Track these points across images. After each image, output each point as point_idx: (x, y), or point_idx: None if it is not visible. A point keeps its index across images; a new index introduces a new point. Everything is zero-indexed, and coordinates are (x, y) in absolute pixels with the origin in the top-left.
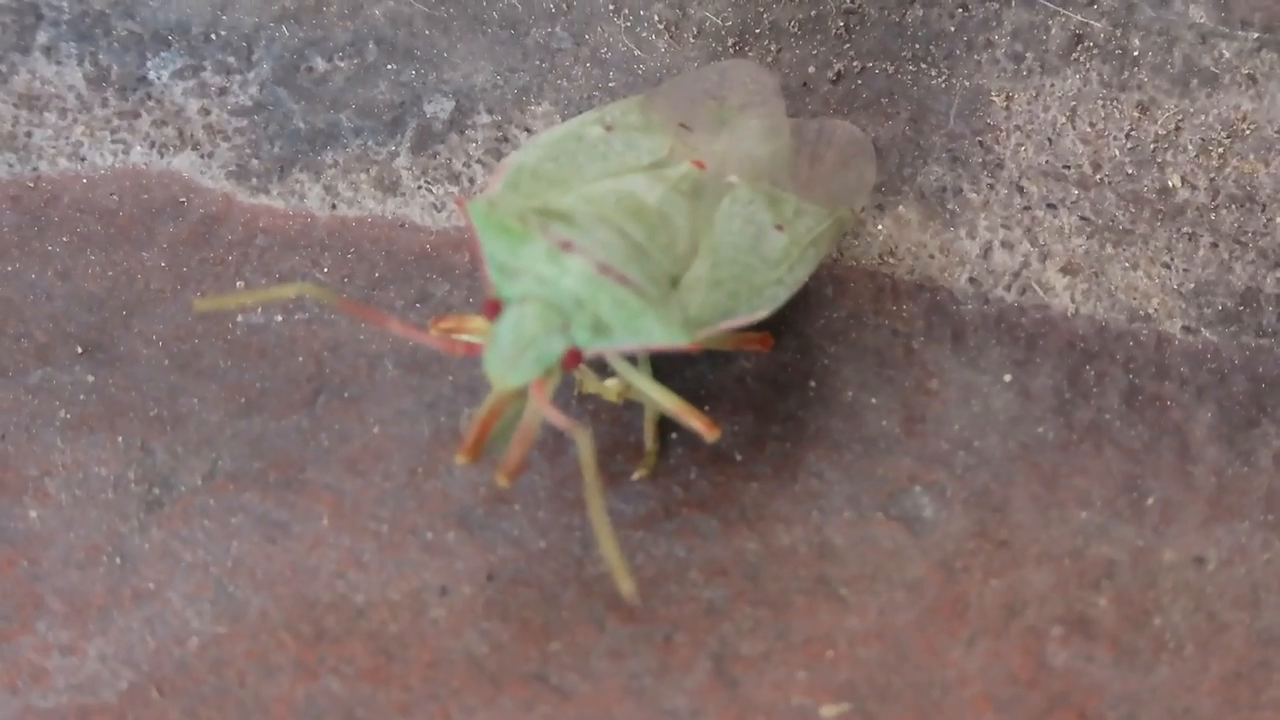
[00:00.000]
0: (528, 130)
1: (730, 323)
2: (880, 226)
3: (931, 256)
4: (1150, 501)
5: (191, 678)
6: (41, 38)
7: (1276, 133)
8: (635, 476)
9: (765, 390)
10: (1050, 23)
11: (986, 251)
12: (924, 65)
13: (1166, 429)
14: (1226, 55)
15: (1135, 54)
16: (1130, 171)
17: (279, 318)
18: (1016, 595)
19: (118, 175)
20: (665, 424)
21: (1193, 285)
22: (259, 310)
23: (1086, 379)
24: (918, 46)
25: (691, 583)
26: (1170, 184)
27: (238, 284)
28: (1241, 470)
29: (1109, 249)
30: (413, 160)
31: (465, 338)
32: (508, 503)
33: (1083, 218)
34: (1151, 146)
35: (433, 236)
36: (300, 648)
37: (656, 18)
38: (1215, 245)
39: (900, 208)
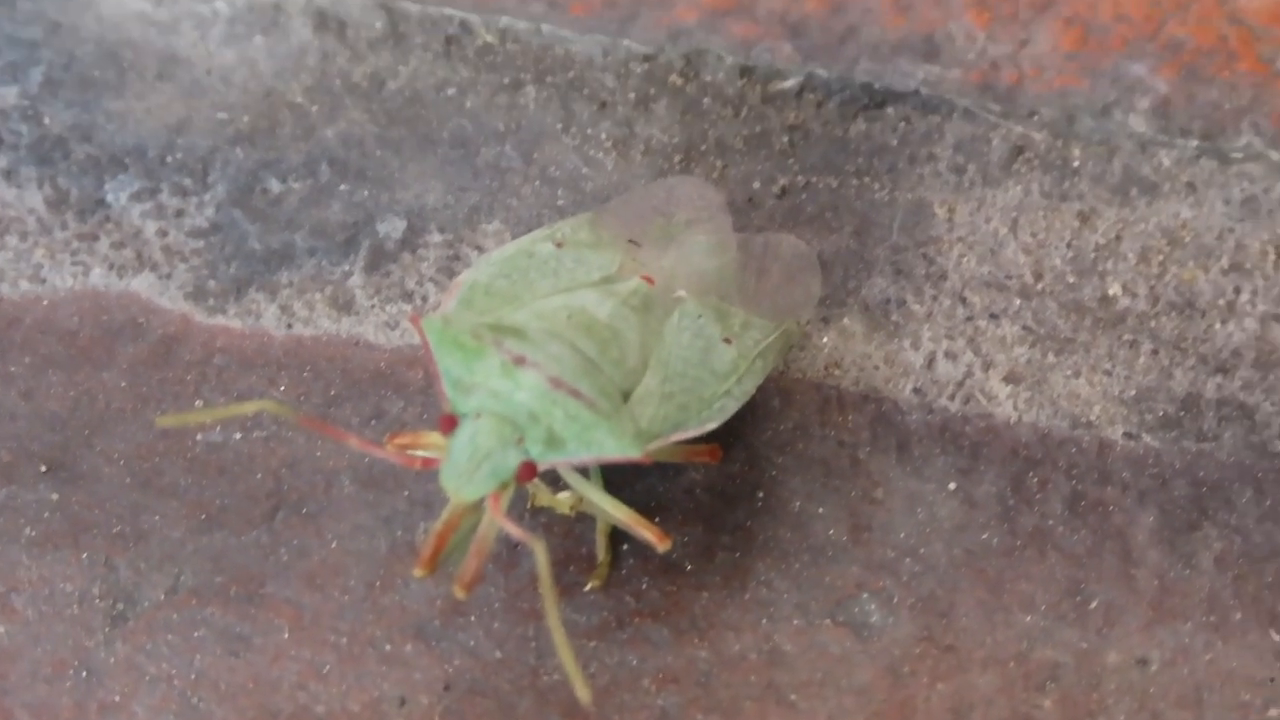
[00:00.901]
0: (479, 248)
1: (680, 434)
2: (825, 339)
3: (876, 368)
4: (1094, 605)
5: None
6: (1, 162)
7: (1216, 239)
8: (588, 587)
9: (714, 501)
10: (991, 135)
11: (930, 362)
12: (867, 179)
13: (1109, 533)
14: (1166, 164)
15: (1075, 164)
16: (1071, 280)
17: (238, 435)
18: (963, 699)
19: (78, 297)
20: (617, 535)
21: (1134, 392)
22: (218, 429)
23: (1030, 486)
24: (861, 160)
25: (644, 690)
26: (1111, 292)
27: (197, 403)
28: (1183, 573)
29: (1051, 357)
30: (366, 279)
31: (421, 453)
32: (464, 614)
33: (1025, 327)
34: (1092, 255)
35: (387, 354)
36: None
37: (604, 136)
38: (1156, 352)
39: (845, 320)
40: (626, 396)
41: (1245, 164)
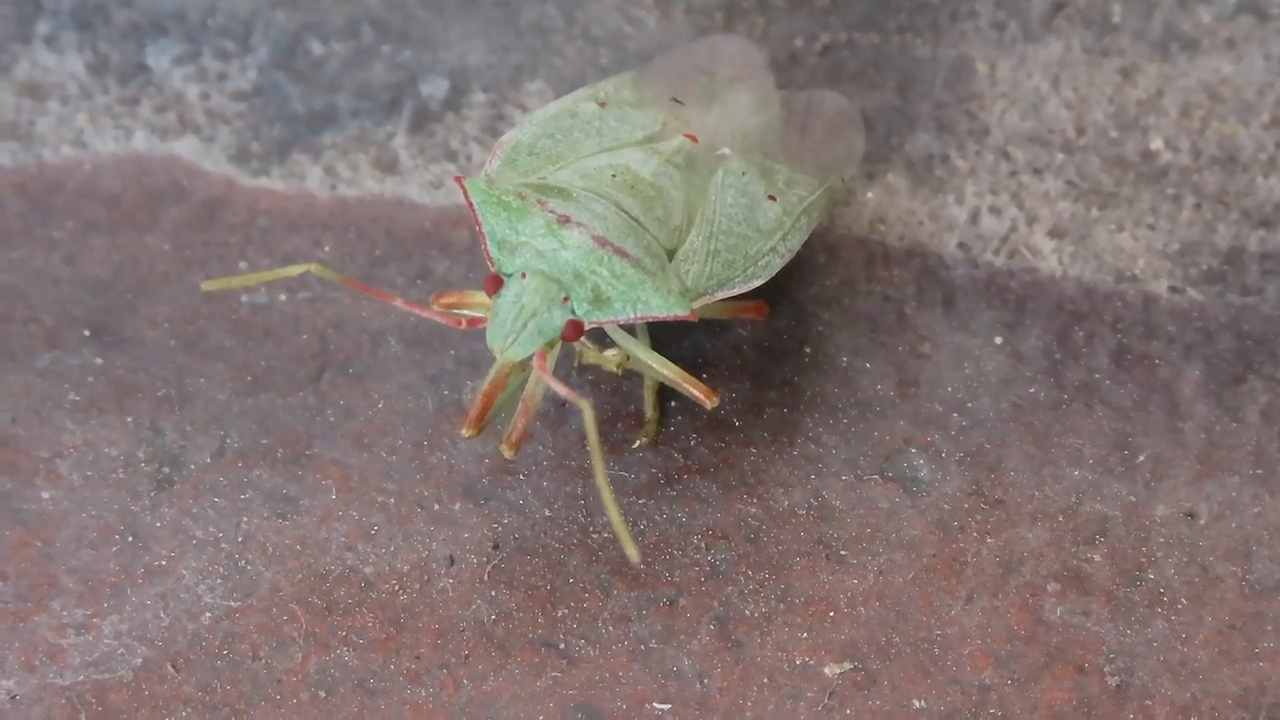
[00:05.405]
0: (523, 108)
1: (726, 292)
2: (870, 195)
3: (921, 223)
4: (1141, 458)
5: (205, 652)
6: (42, 28)
7: (1256, 95)
8: (636, 445)
9: (762, 357)
10: None
11: (975, 217)
12: (909, 35)
13: (1155, 387)
14: (1206, 19)
15: (1115, 20)
16: (1114, 136)
17: (283, 297)
18: (1012, 552)
19: (120, 161)
20: (664, 392)
21: (1177, 246)
22: (263, 290)
23: (1076, 339)
24: (903, 17)
25: (694, 547)
26: (1153, 147)
27: (241, 265)
28: (1230, 426)
29: (1095, 212)
30: (410, 140)
31: (467, 312)
32: (512, 473)
33: (1068, 182)
34: (1134, 111)
35: (432, 214)
36: (311, 620)
37: None
38: (1199, 206)
39: (889, 176)
40: (671, 255)
41: None
